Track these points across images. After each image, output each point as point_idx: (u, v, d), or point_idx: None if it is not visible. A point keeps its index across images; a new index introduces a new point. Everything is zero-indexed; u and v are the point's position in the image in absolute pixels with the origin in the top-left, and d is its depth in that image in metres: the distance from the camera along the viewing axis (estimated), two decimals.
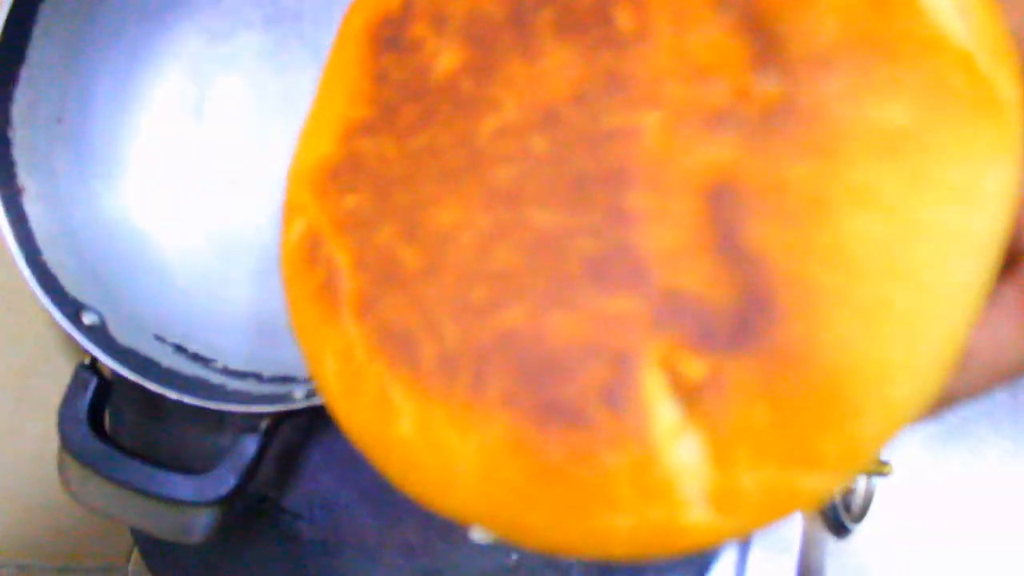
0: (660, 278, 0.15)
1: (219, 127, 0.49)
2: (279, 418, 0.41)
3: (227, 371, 0.45)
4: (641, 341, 0.15)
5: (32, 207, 0.45)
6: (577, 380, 0.15)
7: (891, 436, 0.15)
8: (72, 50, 0.46)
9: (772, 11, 0.15)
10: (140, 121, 0.49)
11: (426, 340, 0.16)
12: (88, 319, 0.43)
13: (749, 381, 0.14)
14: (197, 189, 0.48)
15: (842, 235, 0.14)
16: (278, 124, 0.48)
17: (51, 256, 0.44)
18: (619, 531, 0.15)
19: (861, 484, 0.41)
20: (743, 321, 0.14)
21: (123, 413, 0.49)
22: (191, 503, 0.40)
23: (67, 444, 0.42)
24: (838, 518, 0.38)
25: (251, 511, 0.45)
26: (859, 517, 0.40)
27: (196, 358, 0.45)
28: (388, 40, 0.18)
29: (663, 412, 0.15)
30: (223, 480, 0.40)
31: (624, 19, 0.16)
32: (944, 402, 0.17)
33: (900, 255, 0.14)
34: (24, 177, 0.45)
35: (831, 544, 0.39)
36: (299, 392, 0.41)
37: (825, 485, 0.15)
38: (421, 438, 0.17)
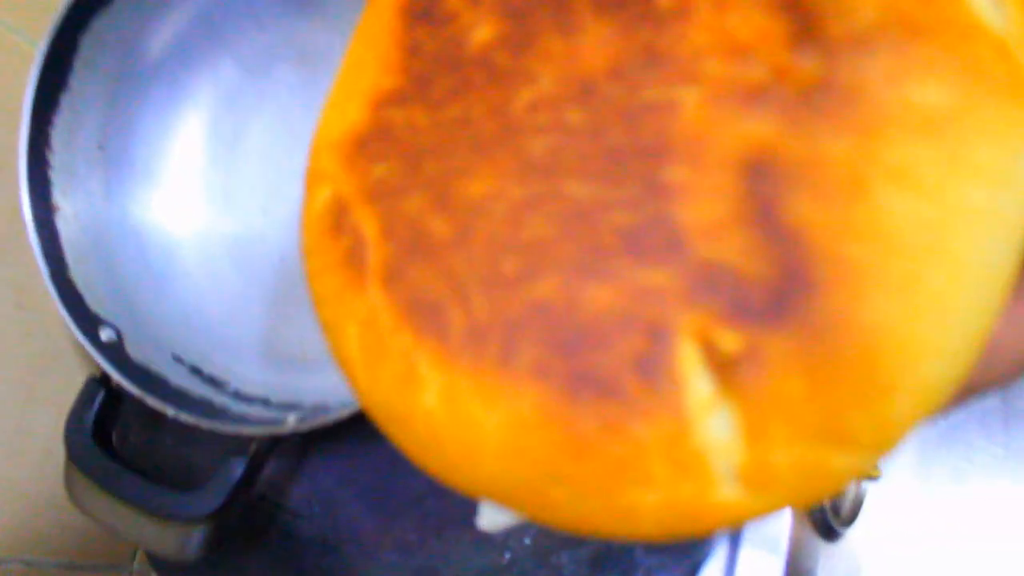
0: (697, 251, 0.15)
1: (251, 157, 0.51)
2: (270, 441, 0.42)
3: (237, 395, 0.46)
4: (676, 313, 0.15)
5: (65, 225, 0.47)
6: (611, 351, 0.15)
7: (923, 417, 0.15)
8: (115, 81, 0.48)
9: None
10: (177, 148, 0.51)
11: (454, 310, 0.16)
12: (105, 335, 0.45)
13: (785, 355, 0.14)
14: (227, 216, 0.50)
15: (880, 213, 0.14)
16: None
17: (78, 273, 0.46)
18: (646, 508, 0.15)
19: (851, 488, 0.41)
20: (780, 295, 0.14)
21: (130, 423, 0.50)
22: (178, 520, 0.41)
23: (72, 454, 0.44)
24: (827, 521, 0.39)
25: (251, 510, 0.46)
26: (849, 521, 0.40)
27: (209, 380, 0.47)
28: (421, 12, 0.18)
29: (697, 385, 0.15)
30: (208, 499, 0.41)
31: None
32: (965, 393, 0.17)
33: (937, 235, 0.14)
34: (60, 197, 0.47)
35: (821, 547, 0.39)
36: (292, 418, 0.42)
37: (855, 465, 0.15)
38: (446, 410, 0.16)
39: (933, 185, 0.14)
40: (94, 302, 0.46)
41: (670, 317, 0.15)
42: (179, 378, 0.46)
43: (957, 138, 0.14)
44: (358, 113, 0.18)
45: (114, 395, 0.45)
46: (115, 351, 0.45)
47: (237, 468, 0.41)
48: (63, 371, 0.48)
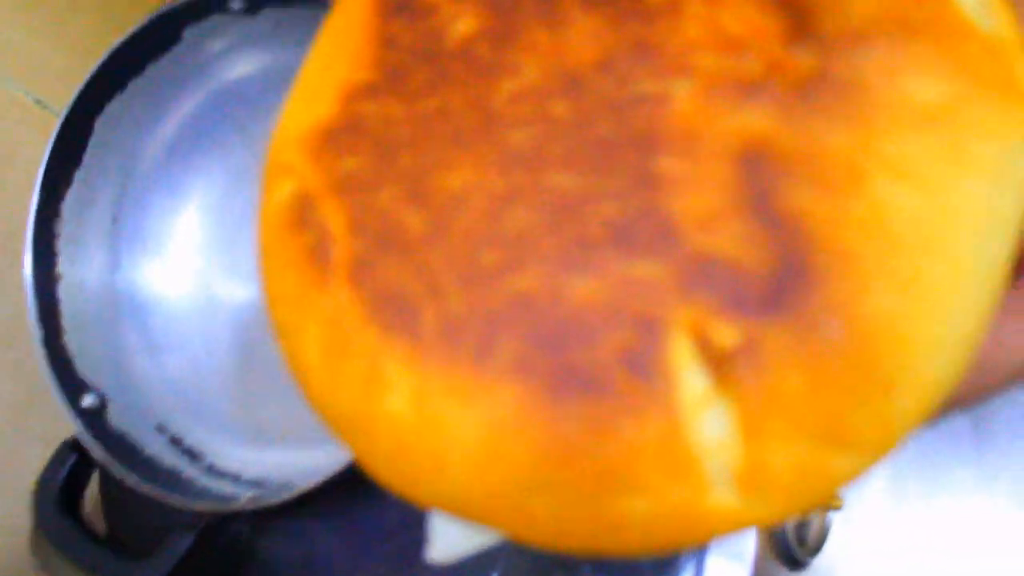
0: (690, 242, 0.14)
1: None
2: (221, 517, 0.44)
3: (211, 469, 0.47)
4: (669, 306, 0.14)
5: (66, 294, 0.48)
6: (598, 346, 0.14)
7: (922, 417, 0.14)
8: (130, 158, 0.51)
9: None
10: (187, 222, 0.52)
11: (428, 306, 0.15)
12: (88, 401, 0.46)
13: (784, 349, 0.13)
14: (230, 291, 0.51)
15: (879, 205, 0.14)
16: None
17: (73, 339, 0.48)
18: (635, 517, 0.14)
19: (816, 517, 0.40)
20: (779, 286, 0.14)
21: (108, 487, 0.51)
22: None
23: (38, 520, 0.45)
24: (791, 551, 0.37)
25: (225, 544, 0.46)
26: (814, 551, 0.39)
27: (187, 452, 0.48)
28: (398, 5, 0.18)
29: (691, 381, 0.14)
30: (152, 571, 0.42)
31: None
32: (948, 404, 0.16)
33: (935, 229, 0.14)
34: (66, 266, 0.49)
35: None
36: (244, 496, 0.43)
37: (854, 468, 0.14)
38: (414, 414, 0.15)
39: (930, 179, 0.14)
40: (84, 367, 0.47)
41: (661, 310, 0.14)
42: (154, 447, 0.47)
43: (953, 133, 0.14)
44: (327, 106, 0.17)
45: (86, 460, 0.46)
46: (94, 417, 0.46)
47: (184, 542, 0.42)
48: (53, 407, 0.47)
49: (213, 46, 0.48)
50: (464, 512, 0.15)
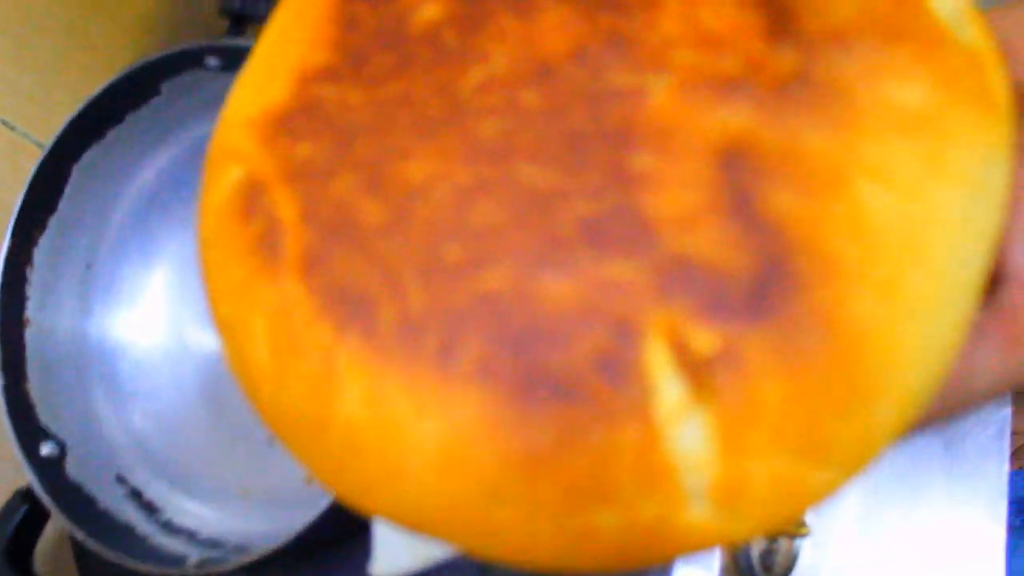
0: (667, 243, 0.13)
1: None
2: None
3: (168, 525, 0.46)
4: (644, 309, 0.13)
5: (34, 338, 0.47)
6: (570, 349, 0.13)
7: (899, 431, 0.14)
8: (107, 206, 0.50)
9: None
10: (163, 270, 0.52)
11: (385, 302, 0.14)
12: (46, 449, 0.45)
13: (764, 357, 0.13)
14: (203, 341, 0.51)
15: (860, 208, 0.13)
16: None
17: (36, 385, 0.47)
18: (605, 530, 0.13)
19: (783, 543, 0.40)
20: (760, 289, 0.13)
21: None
22: None
23: None
24: None
25: None
26: None
27: (146, 506, 0.47)
28: None
29: (667, 388, 0.13)
30: None
31: None
32: (938, 417, 0.16)
33: (915, 234, 0.13)
34: (35, 311, 0.48)
35: None
36: (193, 557, 0.43)
37: (831, 482, 0.13)
38: (369, 417, 0.14)
39: (911, 184, 0.14)
40: (46, 414, 0.47)
41: (637, 313, 0.13)
42: (112, 500, 0.46)
43: (932, 140, 0.14)
44: (281, 89, 0.16)
45: (39, 511, 0.44)
46: (51, 466, 0.45)
47: None
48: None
49: (191, 100, 0.48)
50: (419, 523, 0.14)
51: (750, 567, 0.37)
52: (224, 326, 0.16)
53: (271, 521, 0.44)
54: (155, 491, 0.48)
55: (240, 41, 0.45)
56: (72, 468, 0.46)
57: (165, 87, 0.47)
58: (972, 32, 0.15)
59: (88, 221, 0.50)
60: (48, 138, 0.47)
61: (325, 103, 0.16)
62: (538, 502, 0.13)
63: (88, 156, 0.48)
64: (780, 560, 0.39)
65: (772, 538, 0.40)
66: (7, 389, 0.45)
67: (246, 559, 0.39)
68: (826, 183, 0.13)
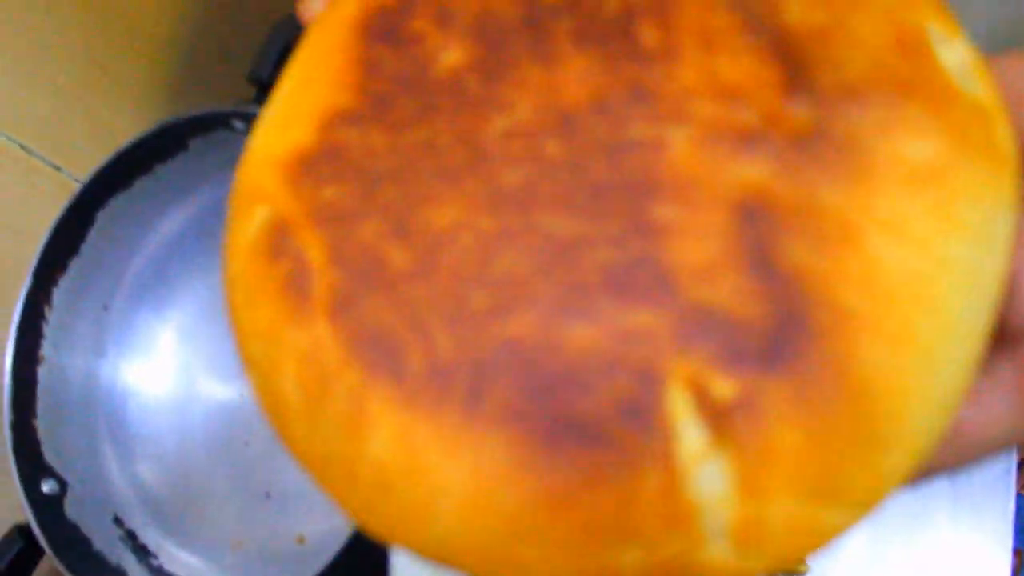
0: (687, 293, 0.14)
1: None
2: None
3: (159, 571, 0.47)
4: (666, 358, 0.14)
5: (47, 376, 0.48)
6: (594, 395, 0.14)
7: (908, 474, 0.14)
8: (129, 252, 0.51)
9: (801, 41, 0.15)
10: (181, 317, 0.52)
11: (413, 347, 0.15)
12: (48, 486, 0.46)
13: (781, 404, 0.13)
14: (213, 391, 0.51)
15: (873, 261, 0.14)
16: None
17: (44, 422, 0.47)
18: (626, 569, 0.14)
19: None
20: (777, 340, 0.14)
21: None
22: None
23: None
24: None
25: None
26: None
27: (140, 549, 0.48)
28: (383, 32, 0.17)
29: (689, 434, 0.14)
30: None
31: (649, 36, 0.16)
32: (929, 471, 0.17)
33: (925, 286, 0.14)
34: (49, 349, 0.48)
35: None
36: None
37: (843, 523, 0.14)
38: (399, 459, 0.15)
39: (921, 237, 0.14)
40: (51, 452, 0.47)
41: (659, 361, 0.14)
42: (106, 541, 0.47)
43: (943, 194, 0.14)
44: (305, 132, 0.17)
45: (34, 547, 0.45)
46: (51, 504, 0.46)
47: None
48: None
49: (217, 158, 0.49)
50: (446, 559, 0.15)
51: None
52: (253, 365, 0.16)
53: None
54: (150, 536, 0.49)
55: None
56: (71, 507, 0.47)
57: (193, 144, 0.48)
58: (979, 86, 0.15)
59: (109, 265, 0.51)
60: (63, 161, 0.48)
61: (349, 147, 0.16)
62: (563, 541, 0.14)
63: (113, 203, 0.49)
64: None
65: None
66: (15, 425, 0.45)
67: None
68: (840, 237, 0.14)
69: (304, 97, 0.17)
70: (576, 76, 0.16)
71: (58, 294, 0.49)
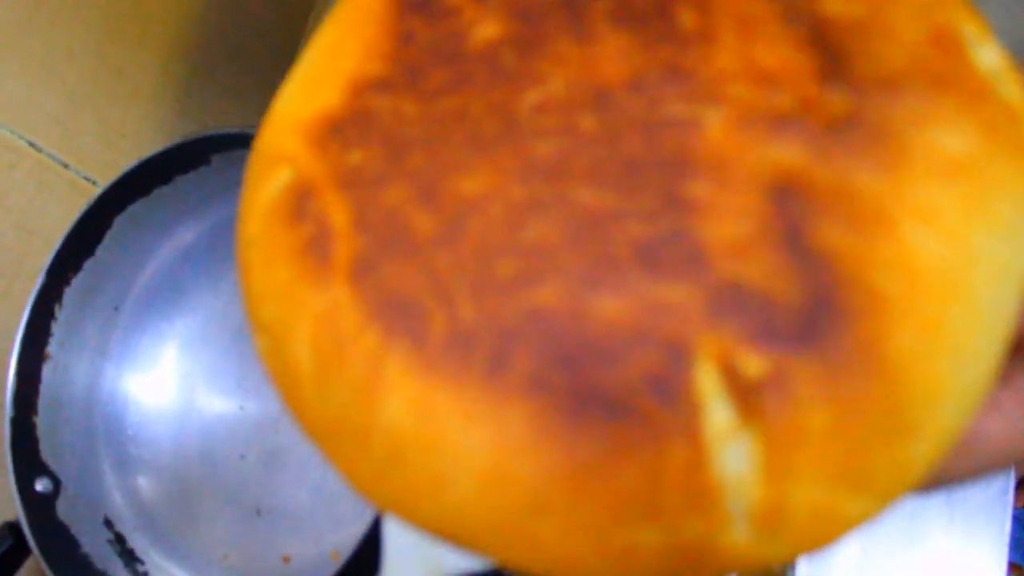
0: (720, 269, 0.14)
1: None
2: None
3: None
4: (696, 332, 0.14)
5: (51, 374, 0.48)
6: (622, 367, 0.13)
7: (931, 465, 0.14)
8: (142, 257, 0.51)
9: (839, 31, 0.15)
10: (189, 326, 0.53)
11: (436, 312, 0.14)
12: (41, 485, 0.46)
13: (812, 384, 0.13)
14: (212, 402, 0.51)
15: (906, 247, 0.14)
16: None
17: (44, 420, 0.47)
18: (647, 548, 0.13)
19: None
20: (810, 320, 0.13)
21: None
22: None
23: None
24: None
25: None
26: None
27: (127, 553, 0.47)
28: (418, 3, 0.17)
29: (716, 410, 0.13)
30: None
31: (687, 19, 0.16)
32: (944, 480, 0.16)
33: (958, 277, 0.14)
34: (56, 348, 0.49)
35: None
36: None
37: (865, 512, 0.14)
38: (415, 427, 0.14)
39: (953, 227, 0.14)
40: (48, 451, 0.47)
41: (689, 335, 0.14)
42: (94, 544, 0.46)
43: (975, 186, 0.14)
44: (334, 95, 0.16)
45: (22, 545, 0.44)
46: (43, 503, 0.45)
47: None
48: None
49: (237, 174, 0.50)
50: (459, 535, 0.14)
51: None
52: (264, 328, 0.16)
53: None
54: (138, 541, 0.48)
55: None
56: (62, 507, 0.46)
57: (215, 159, 0.48)
58: (1010, 87, 0.16)
59: (122, 268, 0.51)
60: (73, 159, 0.49)
61: (379, 113, 0.16)
62: (582, 517, 0.14)
63: (132, 209, 0.49)
64: None
65: None
66: (15, 421, 0.45)
67: None
68: (874, 221, 0.14)
69: (333, 63, 0.17)
70: (612, 54, 0.16)
71: (69, 293, 0.49)
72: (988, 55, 0.16)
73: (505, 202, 0.15)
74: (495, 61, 0.16)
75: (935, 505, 0.41)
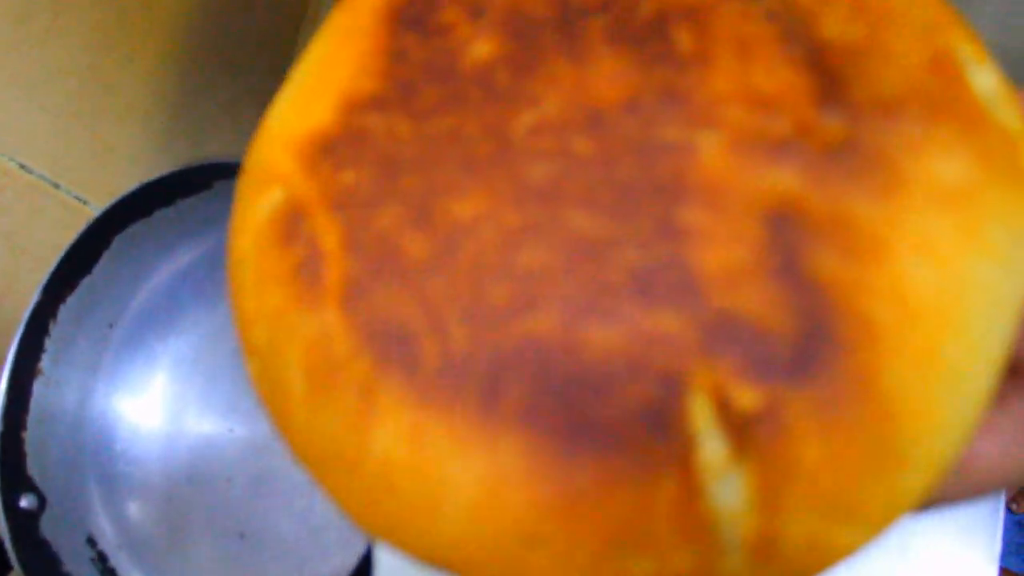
0: (714, 298, 0.14)
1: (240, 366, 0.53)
2: None
3: None
4: (689, 364, 0.13)
5: (42, 388, 0.48)
6: (615, 399, 0.13)
7: (922, 496, 0.14)
8: (139, 276, 0.52)
9: (837, 55, 0.15)
10: (183, 346, 0.52)
11: (428, 340, 0.14)
12: (26, 501, 0.45)
13: (805, 417, 0.13)
14: (202, 424, 0.51)
15: (901, 277, 0.14)
16: None
17: (33, 435, 0.47)
18: None
19: None
20: (802, 350, 0.13)
21: None
22: None
23: None
24: None
25: None
26: None
27: (107, 572, 0.47)
28: (411, 20, 0.17)
29: (709, 443, 0.13)
30: None
31: (684, 40, 0.15)
32: (938, 501, 0.16)
33: (952, 306, 0.14)
34: (48, 364, 0.49)
35: None
36: None
37: (856, 542, 0.14)
38: (406, 455, 0.14)
39: (949, 256, 0.14)
40: (35, 467, 0.47)
41: (682, 367, 0.14)
42: (76, 563, 0.46)
43: (971, 214, 0.14)
44: (326, 113, 0.16)
45: (5, 561, 0.45)
46: (25, 519, 0.45)
47: None
48: None
49: None
50: (450, 563, 0.14)
51: None
52: (255, 350, 0.16)
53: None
54: (121, 561, 0.48)
55: None
56: (46, 524, 0.46)
57: (218, 184, 0.49)
58: (1007, 112, 0.15)
59: (118, 287, 0.51)
60: (65, 180, 0.48)
61: (371, 131, 0.16)
62: (574, 548, 0.13)
63: (132, 229, 0.49)
64: None
65: None
66: (3, 436, 0.45)
67: None
68: (869, 250, 0.14)
69: (325, 80, 0.17)
70: (607, 75, 0.15)
71: (64, 310, 0.49)
72: (986, 79, 0.15)
73: (498, 226, 0.15)
74: (489, 80, 0.16)
75: (928, 511, 0.41)
